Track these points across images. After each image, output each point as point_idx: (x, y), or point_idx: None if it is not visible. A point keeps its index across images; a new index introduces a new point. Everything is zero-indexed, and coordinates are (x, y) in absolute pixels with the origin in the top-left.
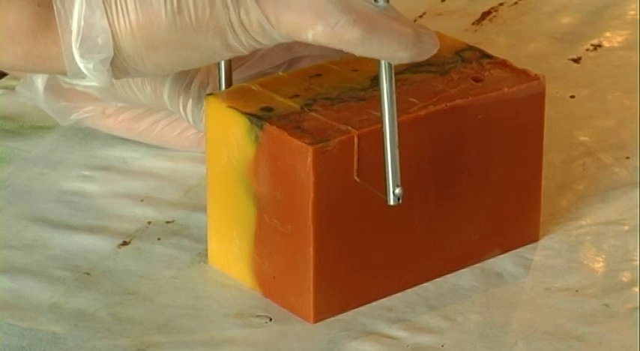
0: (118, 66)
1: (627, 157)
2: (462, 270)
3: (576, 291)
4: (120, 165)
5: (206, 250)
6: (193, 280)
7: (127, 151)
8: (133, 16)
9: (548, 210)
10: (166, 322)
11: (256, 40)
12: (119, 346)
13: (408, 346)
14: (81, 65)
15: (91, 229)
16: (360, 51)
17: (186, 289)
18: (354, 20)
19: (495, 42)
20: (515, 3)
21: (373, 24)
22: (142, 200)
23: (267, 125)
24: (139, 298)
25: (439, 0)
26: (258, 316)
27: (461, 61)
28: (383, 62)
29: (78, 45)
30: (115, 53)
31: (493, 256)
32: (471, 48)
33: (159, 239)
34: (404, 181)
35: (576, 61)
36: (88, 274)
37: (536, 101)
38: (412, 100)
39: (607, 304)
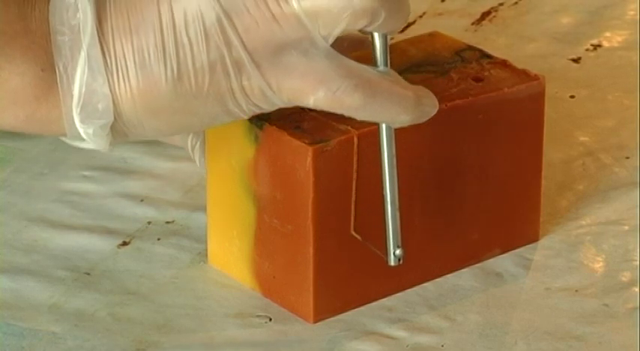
0: (117, 130)
1: (627, 157)
2: (462, 270)
3: (576, 291)
4: (120, 165)
5: (206, 250)
6: (193, 280)
7: (127, 151)
8: (133, 82)
9: (548, 210)
10: (166, 322)
11: (257, 106)
12: (119, 346)
13: (408, 346)
14: (81, 130)
15: (91, 229)
16: (361, 115)
17: (186, 289)
18: (355, 85)
19: (495, 42)
20: (515, 3)
21: (374, 89)
22: (142, 200)
23: (266, 125)
24: (138, 298)
25: (439, 0)
26: (258, 316)
27: (461, 61)
28: (384, 125)
29: (78, 110)
30: (115, 118)
31: (493, 256)
32: (470, 48)
33: (159, 239)
34: (404, 181)
35: (576, 61)
36: (88, 274)
37: (536, 101)
38: None
39: (607, 304)
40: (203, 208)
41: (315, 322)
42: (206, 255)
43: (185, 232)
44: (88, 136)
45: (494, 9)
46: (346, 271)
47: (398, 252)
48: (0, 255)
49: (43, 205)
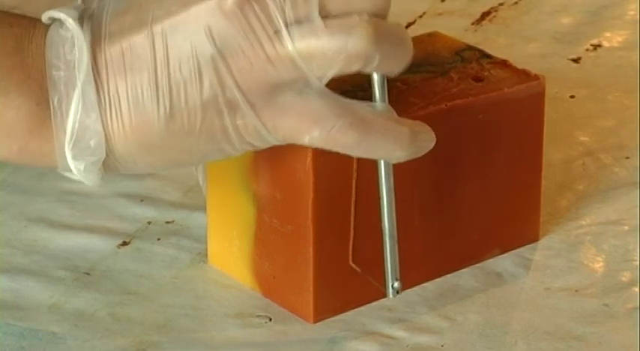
0: (109, 166)
1: (627, 157)
2: (462, 270)
3: (576, 291)
4: None
5: (206, 250)
6: (193, 280)
7: None
8: (126, 119)
9: (548, 210)
10: (166, 322)
11: (250, 144)
12: (119, 346)
13: (408, 346)
14: (72, 166)
15: (91, 229)
16: (357, 153)
17: (186, 289)
18: (349, 124)
19: (495, 42)
20: (515, 3)
21: (369, 126)
22: (141, 200)
23: None
24: (138, 298)
25: (439, 0)
26: (258, 316)
27: (461, 61)
28: (382, 161)
29: (70, 146)
30: (106, 154)
31: (493, 256)
32: (470, 48)
33: (159, 239)
34: (404, 181)
35: (576, 61)
36: (88, 274)
37: (536, 101)
38: (412, 100)
39: (607, 304)
40: (203, 208)
41: (315, 322)
42: (206, 255)
43: (185, 232)
44: (79, 172)
45: (494, 9)
46: (346, 271)
47: (396, 284)
48: (0, 255)
49: (43, 205)
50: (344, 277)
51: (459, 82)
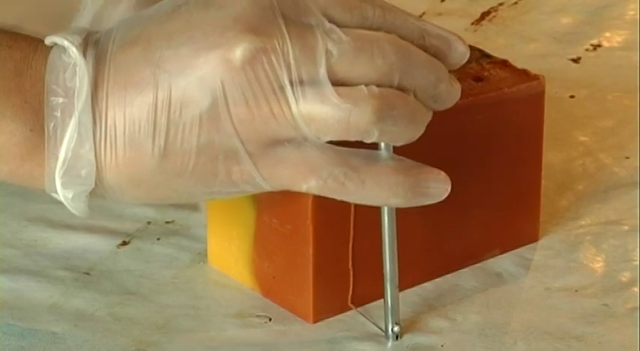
0: (95, 194)
1: (627, 157)
2: (462, 270)
3: (576, 291)
4: None
5: (206, 250)
6: (193, 280)
7: None
8: (120, 153)
9: (548, 210)
10: (166, 322)
11: (241, 190)
12: (119, 346)
13: (407, 346)
14: (60, 193)
15: (91, 229)
16: (354, 200)
17: (185, 289)
18: (344, 174)
19: (495, 42)
20: (515, 3)
21: (363, 175)
22: None
23: None
24: (138, 298)
25: (439, 0)
26: (257, 316)
27: None
28: (384, 207)
29: (61, 174)
30: (95, 184)
31: (493, 256)
32: (470, 48)
33: (158, 239)
34: None
35: (576, 61)
36: (88, 274)
37: (536, 101)
38: None
39: (607, 304)
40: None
41: (315, 322)
42: (206, 255)
43: (185, 232)
44: (66, 200)
45: (494, 9)
46: (345, 271)
47: (396, 329)
48: (0, 255)
49: (42, 205)
50: (344, 277)
51: (459, 82)
